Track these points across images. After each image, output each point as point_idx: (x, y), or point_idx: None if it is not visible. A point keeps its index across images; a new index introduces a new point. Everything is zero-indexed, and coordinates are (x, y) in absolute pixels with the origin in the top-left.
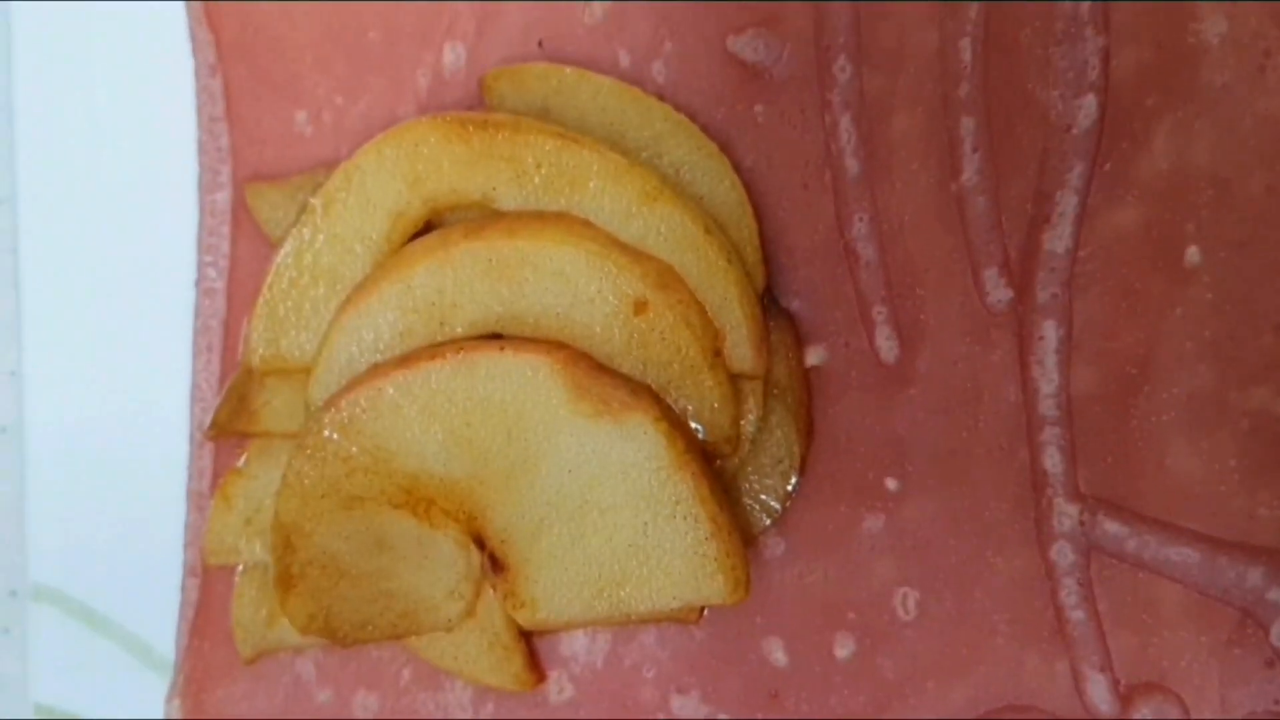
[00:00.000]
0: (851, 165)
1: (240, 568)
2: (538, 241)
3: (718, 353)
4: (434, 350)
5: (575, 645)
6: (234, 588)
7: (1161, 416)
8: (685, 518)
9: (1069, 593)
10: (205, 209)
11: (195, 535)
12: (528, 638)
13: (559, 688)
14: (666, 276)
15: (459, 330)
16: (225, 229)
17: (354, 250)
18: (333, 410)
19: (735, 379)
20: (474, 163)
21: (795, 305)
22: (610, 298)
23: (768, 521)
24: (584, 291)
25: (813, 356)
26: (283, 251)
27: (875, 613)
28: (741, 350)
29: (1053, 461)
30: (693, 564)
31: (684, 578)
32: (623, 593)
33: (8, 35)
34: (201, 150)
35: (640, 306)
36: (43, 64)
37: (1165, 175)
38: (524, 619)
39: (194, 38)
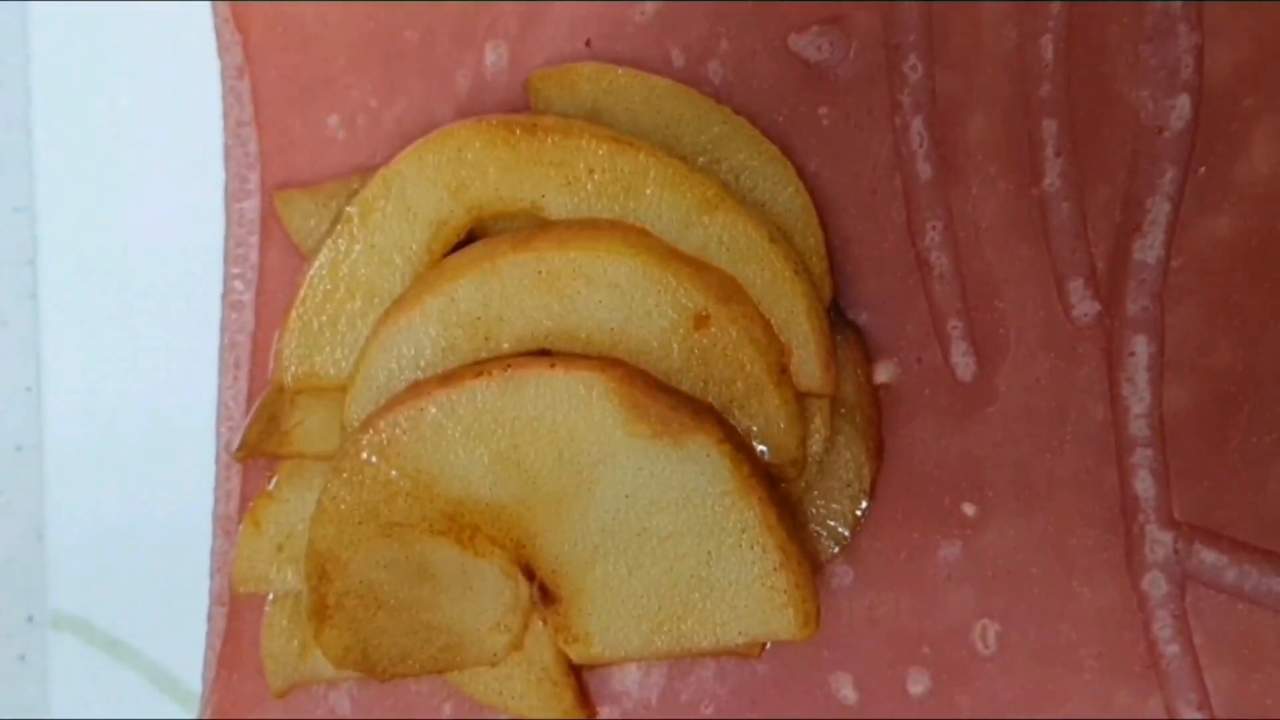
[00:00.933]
0: (924, 170)
1: (271, 596)
2: (590, 252)
3: (784, 369)
4: (479, 367)
5: (628, 680)
6: (264, 617)
7: (1263, 438)
8: (751, 547)
9: (1163, 625)
10: (232, 218)
11: (223, 562)
12: (577, 672)
13: None
14: (729, 289)
15: (505, 346)
16: (254, 239)
17: (393, 261)
18: (371, 431)
19: (801, 398)
20: (521, 169)
21: (863, 319)
22: (669, 311)
23: (835, 549)
24: (640, 305)
25: (882, 373)
26: (317, 263)
27: (952, 647)
28: (809, 367)
29: (1144, 486)
30: (760, 597)
31: (750, 611)
32: (684, 626)
33: (25, 37)
34: (228, 156)
35: (701, 321)
36: (61, 67)
37: (1265, 180)
38: (577, 654)
39: (220, 38)
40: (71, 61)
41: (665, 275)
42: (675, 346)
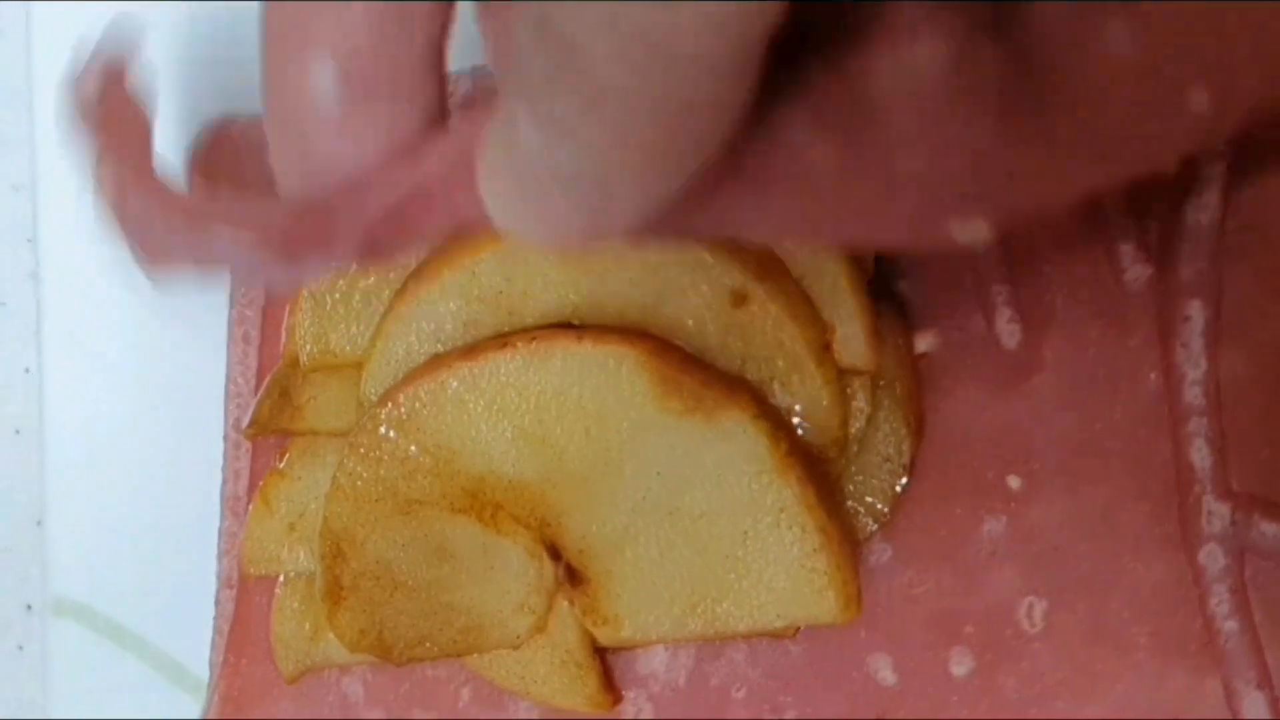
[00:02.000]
0: None
1: (281, 578)
2: None
3: (827, 346)
4: (503, 339)
5: (654, 663)
6: (274, 600)
7: None
8: (790, 527)
9: (1220, 601)
10: None
11: (231, 543)
12: (602, 655)
13: (637, 709)
14: (768, 264)
15: (529, 322)
16: None
17: None
18: (390, 405)
19: (842, 375)
20: None
21: (902, 287)
22: (705, 290)
23: (874, 526)
24: (675, 283)
25: (923, 343)
26: None
27: (997, 626)
28: (854, 344)
29: (1200, 455)
30: (798, 579)
31: (789, 594)
32: (719, 609)
33: (27, 13)
34: None
35: (739, 299)
36: (62, 39)
37: None
38: (606, 637)
39: None
40: (73, 37)
41: (701, 252)
42: (711, 325)
